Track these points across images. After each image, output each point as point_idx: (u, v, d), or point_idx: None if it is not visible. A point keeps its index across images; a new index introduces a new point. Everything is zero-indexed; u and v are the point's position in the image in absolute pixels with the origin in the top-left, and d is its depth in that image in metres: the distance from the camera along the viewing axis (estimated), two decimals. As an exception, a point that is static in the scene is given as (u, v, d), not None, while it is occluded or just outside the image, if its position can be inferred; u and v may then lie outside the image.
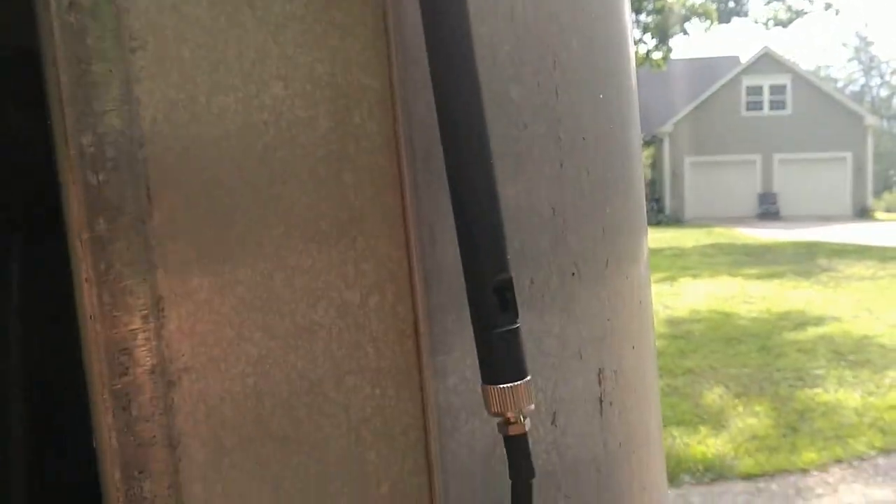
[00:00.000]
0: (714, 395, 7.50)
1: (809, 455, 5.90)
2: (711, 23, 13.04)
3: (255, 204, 0.46)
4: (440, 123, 0.46)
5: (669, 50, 12.96)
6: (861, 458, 5.87)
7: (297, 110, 0.47)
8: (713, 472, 5.70)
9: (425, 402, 0.52)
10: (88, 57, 0.42)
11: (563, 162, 0.56)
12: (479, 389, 0.50)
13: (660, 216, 28.45)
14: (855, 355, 8.67)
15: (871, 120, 31.20)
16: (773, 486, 5.48)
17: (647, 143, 28.95)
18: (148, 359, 0.44)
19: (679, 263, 16.90)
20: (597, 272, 0.59)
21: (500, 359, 0.48)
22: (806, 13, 16.95)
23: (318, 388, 0.49)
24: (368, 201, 0.49)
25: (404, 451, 0.52)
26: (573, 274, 0.57)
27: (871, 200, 31.62)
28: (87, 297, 0.43)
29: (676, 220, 28.12)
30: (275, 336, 0.48)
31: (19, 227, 0.95)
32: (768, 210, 29.82)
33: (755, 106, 30.13)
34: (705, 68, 32.36)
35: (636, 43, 12.79)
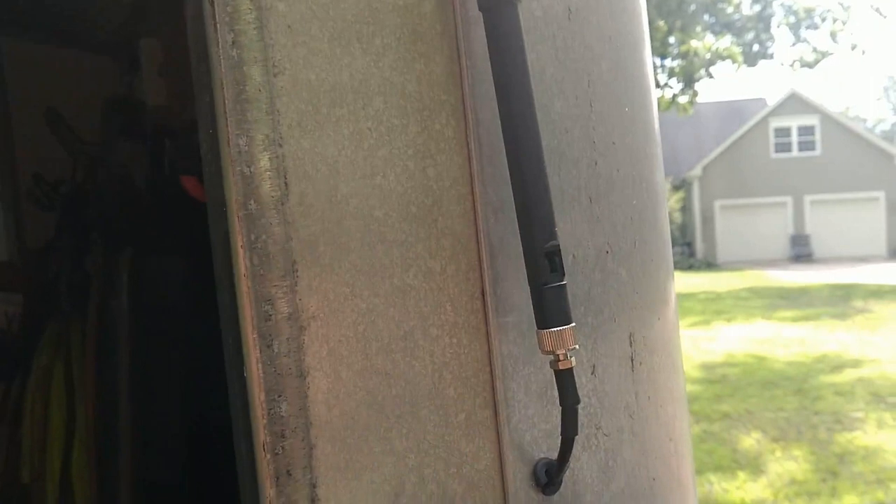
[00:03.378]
0: (751, 440, 7.45)
1: (850, 499, 5.84)
2: (738, 66, 13.22)
3: (363, 190, 0.61)
4: (503, 128, 0.61)
5: (695, 94, 13.13)
6: (904, 503, 5.81)
7: (392, 119, 0.62)
8: (753, 519, 5.67)
9: (491, 351, 0.66)
10: (244, 81, 0.58)
11: (597, 161, 0.70)
12: (535, 341, 0.63)
13: (691, 260, 28.28)
14: (895, 397, 8.58)
15: (902, 159, 30.99)
16: (813, 532, 5.43)
17: (676, 188, 28.97)
18: (286, 308, 0.59)
19: (713, 308, 16.79)
20: (626, 251, 0.73)
21: (551, 308, 0.61)
22: (832, 54, 17.00)
23: (411, 336, 0.63)
24: (446, 190, 0.64)
25: (475, 389, 0.66)
26: (607, 252, 0.71)
27: (906, 240, 31.23)
28: (241, 260, 0.58)
29: (708, 265, 27.97)
30: (378, 294, 0.62)
31: (129, 243, 1.11)
32: (801, 252, 29.54)
33: (784, 147, 30.11)
34: (733, 111, 32.50)
35: (662, 87, 12.98)
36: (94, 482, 1.48)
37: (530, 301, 0.63)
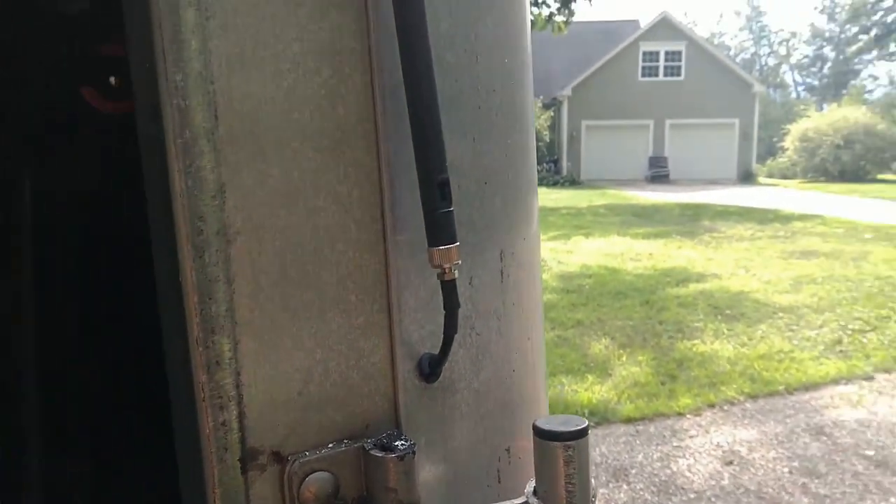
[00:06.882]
0: (601, 346, 8.05)
1: (685, 400, 6.49)
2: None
3: (282, 125, 0.71)
4: (404, 74, 0.72)
5: (571, 14, 13.38)
6: (731, 403, 6.49)
7: (308, 62, 0.72)
8: (598, 417, 6.20)
9: (388, 265, 0.78)
10: (179, 23, 0.66)
11: (479, 105, 0.83)
12: (425, 257, 0.76)
13: (557, 177, 29.21)
14: (731, 310, 9.40)
15: (758, 88, 32.79)
16: (651, 429, 6.01)
17: (546, 107, 29.55)
18: (215, 225, 0.69)
19: (573, 222, 17.57)
20: (501, 182, 0.87)
21: (441, 230, 0.74)
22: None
23: (320, 251, 0.75)
24: (353, 126, 0.75)
25: (373, 296, 0.78)
26: (485, 183, 0.84)
27: (755, 166, 33.39)
28: (177, 182, 0.67)
29: (572, 182, 29.00)
30: (293, 214, 0.73)
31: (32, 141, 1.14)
32: (658, 173, 31.07)
33: (651, 72, 31.17)
34: (606, 32, 33.17)
35: (538, 5, 13.12)
36: None
37: (422, 223, 0.76)
